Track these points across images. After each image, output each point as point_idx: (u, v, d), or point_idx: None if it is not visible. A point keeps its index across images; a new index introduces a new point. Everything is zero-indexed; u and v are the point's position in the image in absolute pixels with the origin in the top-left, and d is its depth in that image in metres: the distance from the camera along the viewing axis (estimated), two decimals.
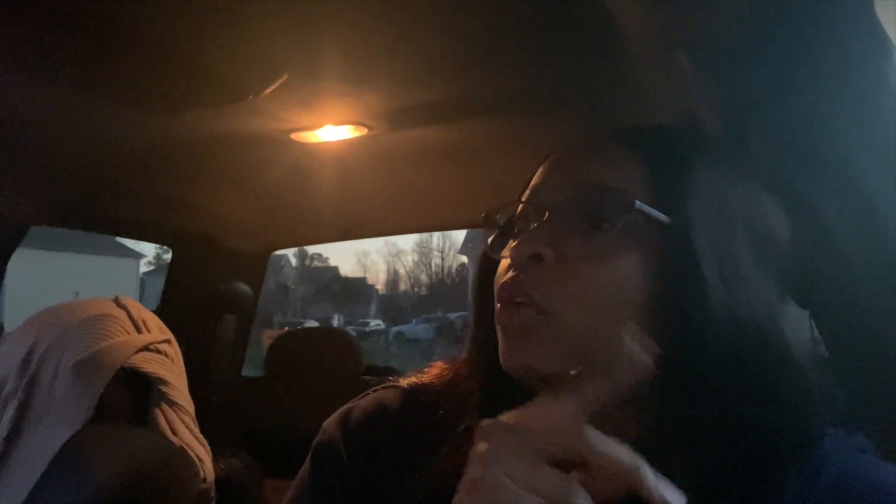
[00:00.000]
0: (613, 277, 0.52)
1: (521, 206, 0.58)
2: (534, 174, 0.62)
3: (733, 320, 0.50)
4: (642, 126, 0.62)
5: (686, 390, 0.50)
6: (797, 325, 0.89)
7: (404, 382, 0.66)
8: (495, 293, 0.56)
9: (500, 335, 0.55)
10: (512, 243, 0.56)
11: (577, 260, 0.52)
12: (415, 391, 0.64)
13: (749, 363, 0.50)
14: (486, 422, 0.45)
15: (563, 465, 0.42)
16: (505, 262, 0.56)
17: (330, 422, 0.66)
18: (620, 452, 0.41)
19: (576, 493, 0.40)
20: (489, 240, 0.61)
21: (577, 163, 0.58)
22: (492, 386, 0.57)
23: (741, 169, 0.59)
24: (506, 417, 0.45)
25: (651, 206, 0.52)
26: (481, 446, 0.43)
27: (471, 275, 0.72)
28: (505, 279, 0.55)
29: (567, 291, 0.51)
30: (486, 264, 0.61)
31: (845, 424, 0.55)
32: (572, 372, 0.51)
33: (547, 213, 0.54)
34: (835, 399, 0.55)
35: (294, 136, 1.23)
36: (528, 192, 0.60)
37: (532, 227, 0.55)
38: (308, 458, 0.65)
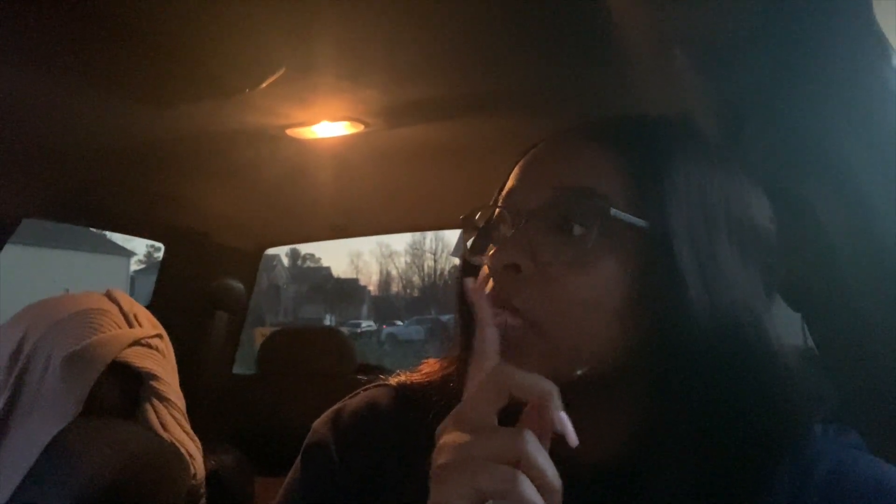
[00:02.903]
0: (593, 283, 0.51)
1: (497, 211, 0.58)
2: (509, 174, 0.61)
3: (716, 320, 0.50)
4: (618, 119, 0.60)
5: (673, 391, 0.50)
6: (790, 329, 0.90)
7: (394, 381, 0.65)
8: None
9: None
10: (491, 248, 0.55)
11: (556, 268, 0.51)
12: (405, 390, 0.64)
13: (734, 361, 0.50)
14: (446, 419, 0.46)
15: (514, 413, 0.46)
16: (486, 268, 0.56)
17: (320, 422, 0.65)
18: (537, 380, 0.44)
19: (525, 441, 0.42)
20: (468, 243, 0.60)
21: (553, 164, 0.57)
22: None
23: (723, 158, 0.57)
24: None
25: (629, 207, 0.52)
26: (445, 438, 0.45)
27: None
28: (482, 281, 0.54)
29: (547, 301, 0.51)
30: (468, 267, 0.60)
31: (838, 422, 0.55)
32: (578, 372, 0.51)
33: (523, 219, 0.54)
34: (827, 397, 0.55)
35: (290, 131, 1.22)
36: (504, 194, 0.59)
37: (509, 233, 0.54)
38: (298, 459, 0.64)
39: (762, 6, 0.65)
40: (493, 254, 0.53)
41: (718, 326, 0.50)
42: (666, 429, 0.51)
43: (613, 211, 0.51)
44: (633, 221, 0.51)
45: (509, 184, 0.59)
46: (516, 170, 0.60)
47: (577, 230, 0.52)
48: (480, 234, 0.59)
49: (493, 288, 0.53)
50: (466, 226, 0.60)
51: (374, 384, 0.67)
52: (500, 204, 0.58)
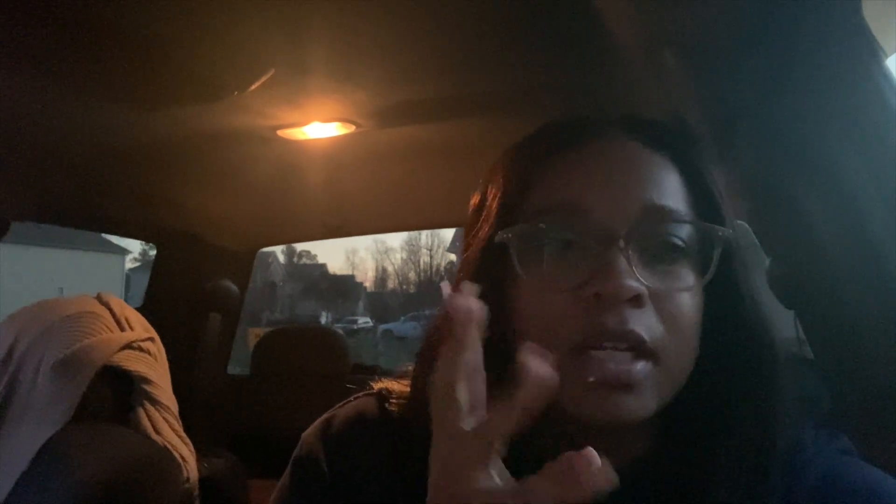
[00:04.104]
0: (694, 307, 0.51)
1: (568, 227, 0.52)
2: (518, 170, 0.57)
3: (757, 324, 0.52)
4: (647, 119, 0.59)
5: (711, 398, 0.51)
6: (782, 324, 0.90)
7: (381, 389, 0.64)
8: (552, 314, 0.50)
9: (584, 383, 0.48)
10: (563, 264, 0.51)
11: (667, 297, 0.50)
12: (392, 400, 0.62)
13: (751, 364, 0.52)
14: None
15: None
16: (566, 296, 0.50)
17: (309, 433, 0.64)
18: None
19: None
20: (515, 254, 0.53)
21: (630, 177, 0.53)
22: None
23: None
24: None
25: (693, 220, 0.52)
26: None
27: None
28: (587, 309, 0.49)
29: (666, 330, 0.49)
30: (496, 283, 0.53)
31: (829, 426, 0.55)
32: (682, 380, 0.51)
33: (620, 242, 0.49)
34: (819, 401, 0.55)
35: (281, 132, 1.22)
36: (565, 204, 0.53)
37: (604, 257, 0.49)
38: (287, 472, 0.63)
39: (753, 7, 0.65)
40: (610, 281, 0.48)
41: (756, 330, 0.52)
42: (688, 433, 0.52)
43: (722, 231, 0.51)
44: (730, 234, 0.51)
45: (568, 190, 0.53)
46: (572, 173, 0.54)
47: (677, 255, 0.51)
48: (531, 246, 0.53)
49: (616, 320, 0.48)
50: (517, 238, 0.53)
51: (363, 393, 0.66)
52: (567, 214, 0.52)
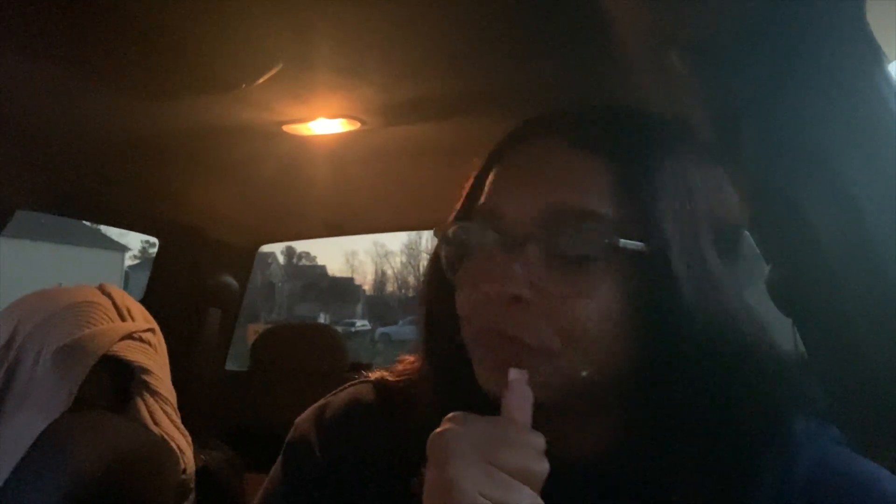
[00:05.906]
0: (597, 307, 0.49)
1: (481, 230, 0.54)
2: (475, 178, 0.59)
3: (706, 323, 0.50)
4: (598, 119, 0.57)
5: (666, 391, 0.51)
6: (781, 335, 0.90)
7: (376, 377, 0.65)
8: (464, 312, 0.54)
9: (478, 356, 0.53)
10: (475, 268, 0.53)
11: (559, 298, 0.49)
12: (387, 386, 0.63)
13: (720, 360, 0.50)
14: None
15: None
16: (468, 294, 0.53)
17: (303, 418, 0.64)
18: None
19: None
20: (443, 256, 0.56)
21: (541, 177, 0.53)
22: (458, 401, 0.52)
23: (702, 156, 0.56)
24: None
25: (625, 224, 0.50)
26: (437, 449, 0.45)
27: None
28: (480, 307, 0.52)
29: (554, 330, 0.49)
30: (440, 275, 0.57)
31: (819, 417, 0.55)
32: (583, 374, 0.51)
33: (518, 242, 0.51)
34: (814, 397, 0.55)
35: (286, 128, 1.22)
36: (484, 207, 0.55)
37: (500, 257, 0.51)
38: (280, 456, 0.64)
39: (757, 9, 0.65)
40: (488, 281, 0.50)
41: (708, 328, 0.50)
42: (654, 426, 0.51)
43: (622, 242, 0.49)
44: (637, 248, 0.49)
45: (489, 195, 0.56)
46: (495, 178, 0.56)
47: (579, 258, 0.50)
48: (458, 249, 0.56)
49: (492, 317, 0.50)
50: (445, 238, 0.57)
51: (357, 381, 0.67)
52: (482, 219, 0.54)
